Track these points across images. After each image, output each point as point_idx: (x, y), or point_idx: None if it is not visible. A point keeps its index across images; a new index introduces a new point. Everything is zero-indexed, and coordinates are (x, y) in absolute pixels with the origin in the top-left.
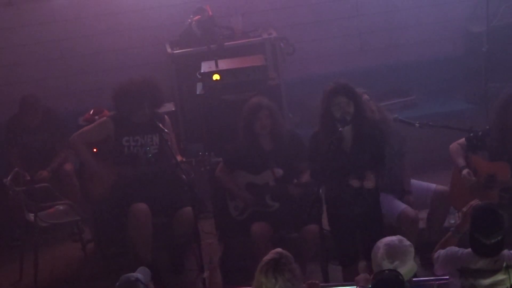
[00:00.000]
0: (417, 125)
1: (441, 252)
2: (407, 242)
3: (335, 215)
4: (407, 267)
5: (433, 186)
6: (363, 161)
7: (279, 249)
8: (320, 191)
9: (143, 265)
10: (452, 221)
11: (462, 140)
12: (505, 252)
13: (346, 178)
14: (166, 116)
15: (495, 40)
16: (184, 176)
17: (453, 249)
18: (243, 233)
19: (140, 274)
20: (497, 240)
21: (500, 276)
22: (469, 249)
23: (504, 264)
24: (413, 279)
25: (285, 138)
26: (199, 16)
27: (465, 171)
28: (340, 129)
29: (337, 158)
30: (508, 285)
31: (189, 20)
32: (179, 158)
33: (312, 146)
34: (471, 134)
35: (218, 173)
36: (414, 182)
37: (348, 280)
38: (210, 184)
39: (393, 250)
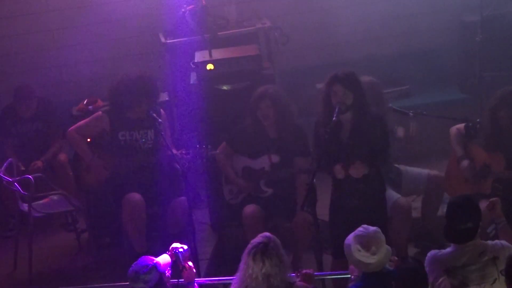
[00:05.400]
0: (411, 114)
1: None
2: (372, 228)
3: (336, 206)
4: (383, 251)
5: (426, 171)
6: (360, 152)
7: (267, 233)
8: (314, 180)
9: (137, 255)
10: None
11: (462, 126)
12: (489, 242)
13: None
14: (162, 110)
15: (489, 29)
16: (178, 166)
17: (433, 252)
18: (236, 221)
19: (161, 260)
20: (470, 226)
21: (487, 269)
22: (448, 249)
23: (491, 255)
24: None
25: (290, 129)
26: (193, 6)
27: (465, 162)
28: (334, 118)
29: (334, 147)
30: (497, 275)
31: (183, 10)
32: (173, 150)
33: (315, 132)
34: (470, 124)
35: (219, 154)
36: (407, 168)
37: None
38: (204, 170)
39: (364, 239)
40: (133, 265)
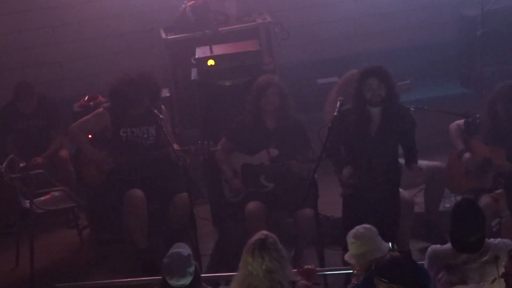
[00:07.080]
0: (412, 109)
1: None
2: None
3: (353, 198)
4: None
5: (425, 163)
6: (387, 146)
7: (265, 231)
8: (316, 175)
9: (138, 251)
10: (448, 205)
11: (461, 122)
12: (491, 241)
13: (367, 162)
14: (163, 106)
15: (489, 24)
16: (179, 162)
17: (434, 247)
18: (237, 217)
19: (184, 250)
20: (477, 238)
21: (487, 267)
22: (450, 245)
23: (492, 255)
24: None
25: (290, 121)
26: (194, 2)
27: (467, 155)
28: (335, 113)
29: (361, 140)
30: (496, 275)
31: (184, 6)
32: (175, 146)
33: (337, 120)
34: (470, 119)
35: (219, 150)
36: None
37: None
38: (205, 166)
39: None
40: (172, 263)
